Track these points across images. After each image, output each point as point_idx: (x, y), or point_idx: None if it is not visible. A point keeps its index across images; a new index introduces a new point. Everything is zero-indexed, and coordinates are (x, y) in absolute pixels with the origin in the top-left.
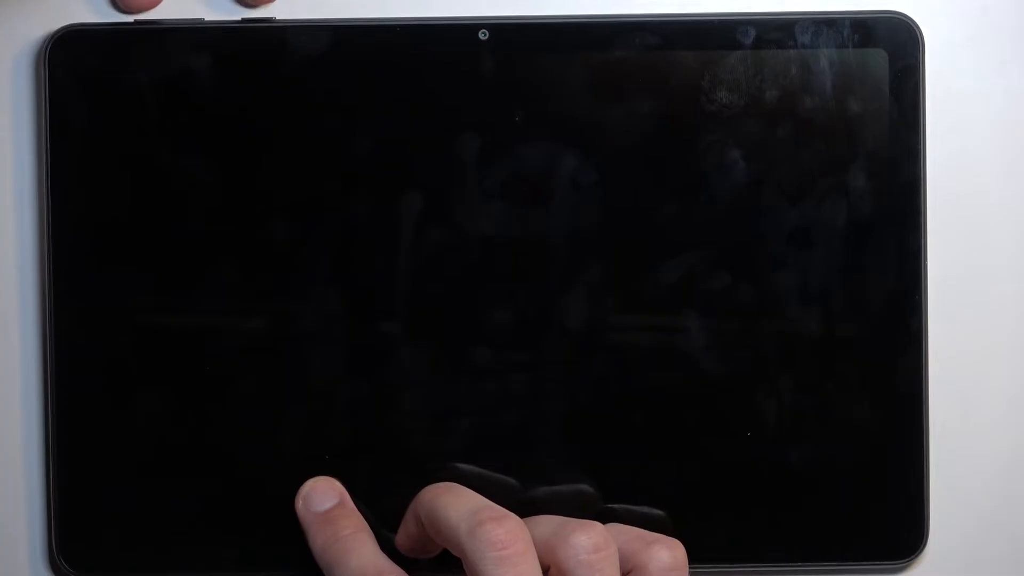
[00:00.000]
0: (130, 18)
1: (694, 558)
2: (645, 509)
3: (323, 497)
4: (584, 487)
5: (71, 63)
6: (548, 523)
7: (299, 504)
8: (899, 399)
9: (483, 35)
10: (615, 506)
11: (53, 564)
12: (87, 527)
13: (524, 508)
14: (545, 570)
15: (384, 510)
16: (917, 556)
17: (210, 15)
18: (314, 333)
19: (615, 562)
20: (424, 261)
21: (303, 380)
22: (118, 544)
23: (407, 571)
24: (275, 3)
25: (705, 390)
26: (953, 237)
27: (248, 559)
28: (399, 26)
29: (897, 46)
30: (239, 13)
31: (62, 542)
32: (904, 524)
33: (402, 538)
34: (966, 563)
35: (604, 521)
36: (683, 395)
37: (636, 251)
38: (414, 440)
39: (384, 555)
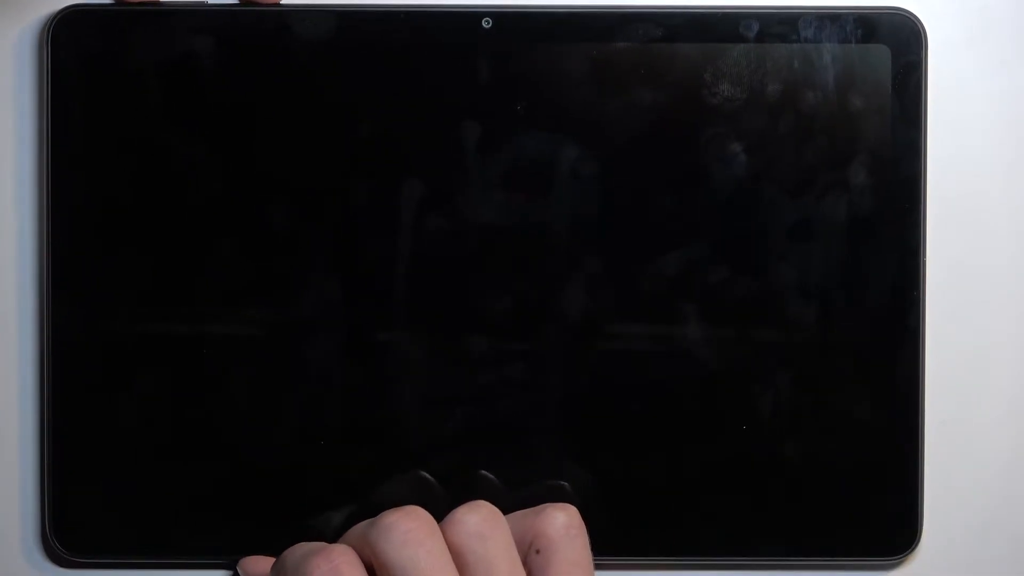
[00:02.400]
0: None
1: (687, 552)
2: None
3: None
4: (565, 483)
5: (73, 44)
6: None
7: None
8: (896, 396)
9: (486, 23)
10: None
11: (47, 546)
12: (81, 511)
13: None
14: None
15: (379, 497)
16: (910, 553)
17: None
18: (312, 321)
19: (507, 531)
20: (424, 249)
21: (300, 368)
22: (112, 528)
23: None
24: None
25: (701, 384)
26: (953, 235)
27: (242, 544)
28: (402, 13)
29: (900, 43)
30: None
31: (56, 525)
32: (898, 521)
33: None
34: (959, 562)
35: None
36: (679, 389)
37: (635, 243)
38: (410, 428)
39: None
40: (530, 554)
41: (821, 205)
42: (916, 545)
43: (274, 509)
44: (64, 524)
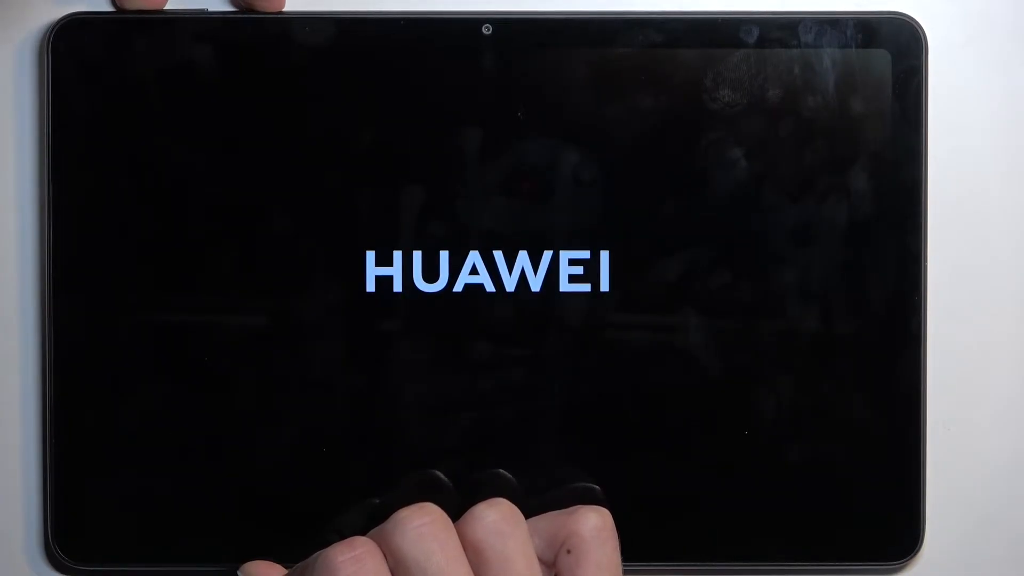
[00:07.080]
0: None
1: (688, 556)
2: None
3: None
4: (586, 484)
5: (74, 52)
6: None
7: None
8: (897, 400)
9: (486, 30)
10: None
11: (49, 553)
12: (83, 517)
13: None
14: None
15: (392, 499)
16: (913, 557)
17: (213, 5)
18: (313, 327)
19: (525, 530)
20: (424, 256)
21: (302, 374)
22: (114, 534)
23: None
24: None
25: (703, 388)
26: (954, 238)
27: (243, 550)
28: (403, 19)
29: (900, 47)
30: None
31: (58, 532)
32: (900, 525)
33: None
34: (961, 565)
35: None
36: (681, 393)
37: (637, 248)
38: (412, 434)
39: None
40: (561, 553)
41: (822, 209)
42: (919, 549)
43: (279, 514)
44: (66, 530)
